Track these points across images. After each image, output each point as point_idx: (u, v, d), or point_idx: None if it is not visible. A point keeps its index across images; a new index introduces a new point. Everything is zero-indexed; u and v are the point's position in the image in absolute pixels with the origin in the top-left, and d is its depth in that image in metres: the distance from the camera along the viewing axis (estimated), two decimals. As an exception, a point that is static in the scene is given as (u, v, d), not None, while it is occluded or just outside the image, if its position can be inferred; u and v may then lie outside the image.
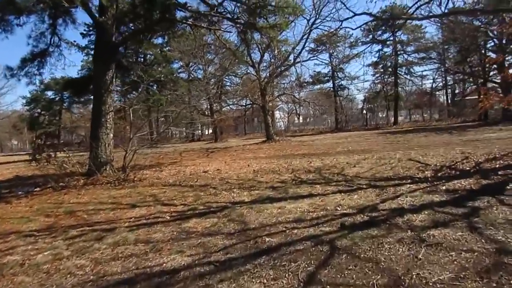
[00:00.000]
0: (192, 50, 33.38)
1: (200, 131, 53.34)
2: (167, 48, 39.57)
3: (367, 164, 9.75)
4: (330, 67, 44.12)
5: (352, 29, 19.85)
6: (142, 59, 38.80)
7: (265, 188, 7.32)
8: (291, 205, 5.59)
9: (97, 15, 10.34)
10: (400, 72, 42.14)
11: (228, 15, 13.74)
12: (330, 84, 46.61)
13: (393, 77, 42.34)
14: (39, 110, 32.33)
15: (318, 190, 6.67)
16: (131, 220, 5.60)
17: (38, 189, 9.23)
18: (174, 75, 41.23)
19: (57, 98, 32.99)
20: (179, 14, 12.87)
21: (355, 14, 10.81)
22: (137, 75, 15.21)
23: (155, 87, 41.15)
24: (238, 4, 13.55)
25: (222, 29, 13.71)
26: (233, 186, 7.84)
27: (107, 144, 10.09)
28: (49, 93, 31.46)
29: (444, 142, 14.68)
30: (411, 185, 6.40)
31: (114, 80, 10.52)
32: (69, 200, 7.61)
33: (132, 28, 12.97)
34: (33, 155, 10.06)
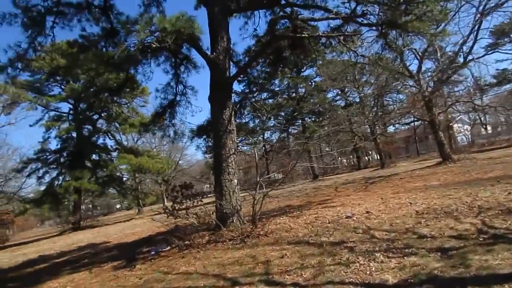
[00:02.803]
0: (341, 74, 31.54)
1: (367, 157, 49.74)
2: (317, 78, 38.93)
3: None
4: (520, 60, 34.74)
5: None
6: (294, 94, 38.85)
7: (429, 252, 4.52)
8: (476, 307, 2.84)
9: (208, 52, 9.70)
10: None
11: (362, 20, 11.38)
12: (524, 81, 36.43)
13: None
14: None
15: (533, 261, 3.56)
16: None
17: (168, 248, 8.62)
18: (330, 103, 39.89)
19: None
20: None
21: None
22: (264, 110, 14.18)
23: (313, 119, 40.66)
24: (375, 6, 11.07)
25: (347, 34, 11.25)
26: (377, 246, 5.27)
27: (231, 191, 8.91)
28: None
29: None
30: None
31: (233, 119, 9.48)
32: (179, 268, 6.47)
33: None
34: (169, 208, 9.62)
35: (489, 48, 30.77)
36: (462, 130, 44.81)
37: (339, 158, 51.71)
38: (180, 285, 5.34)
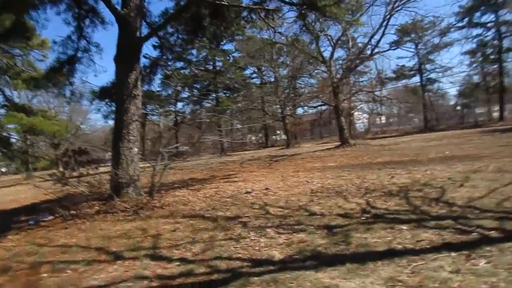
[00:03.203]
0: (259, 52, 31.63)
1: (275, 137, 51.48)
2: (236, 54, 38.54)
3: (482, 181, 6.48)
4: (416, 60, 38.79)
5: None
6: (211, 66, 37.99)
7: (316, 229, 4.66)
8: (351, 284, 2.92)
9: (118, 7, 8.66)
10: (505, 59, 34.98)
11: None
12: (416, 79, 40.98)
13: (496, 65, 35.48)
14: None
15: (404, 240, 3.84)
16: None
17: (50, 218, 7.72)
18: (247, 80, 39.97)
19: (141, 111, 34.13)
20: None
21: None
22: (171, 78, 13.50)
23: (227, 94, 40.33)
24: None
25: (268, 9, 11.01)
26: (270, 222, 5.32)
27: (129, 160, 8.24)
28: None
29: None
30: None
31: (139, 83, 8.71)
32: (58, 240, 5.80)
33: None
34: (58, 175, 8.61)
35: (393, 44, 33.76)
36: (361, 118, 48.94)
37: (249, 135, 52.68)
38: (55, 258, 4.74)
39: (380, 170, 9.82)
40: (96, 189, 8.80)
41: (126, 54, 8.67)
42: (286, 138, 36.46)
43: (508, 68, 35.63)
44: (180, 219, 6.16)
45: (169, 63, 19.63)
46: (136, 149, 8.51)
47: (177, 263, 3.99)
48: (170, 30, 13.44)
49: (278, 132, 51.73)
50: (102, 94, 13.65)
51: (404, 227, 4.29)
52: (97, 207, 7.63)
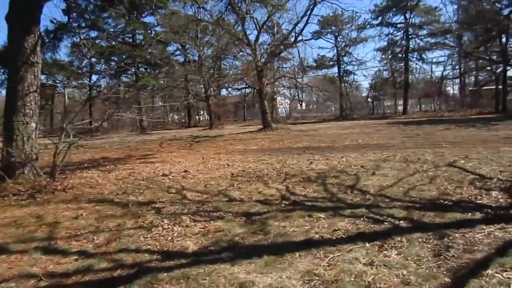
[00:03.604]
0: (183, 28, 30.24)
1: (197, 117, 50.49)
2: (158, 28, 36.38)
3: (391, 170, 6.87)
4: (335, 52, 40.68)
5: None
6: (130, 39, 35.41)
7: (235, 216, 4.46)
8: (267, 280, 2.76)
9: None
10: (411, 58, 38.55)
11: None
12: (335, 70, 43.17)
13: (402, 63, 38.87)
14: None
15: (321, 229, 3.81)
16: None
17: None
18: (169, 57, 38.05)
19: (49, 82, 30.54)
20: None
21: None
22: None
23: (148, 70, 38.12)
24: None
25: None
26: (187, 208, 4.98)
27: (26, 137, 7.16)
28: (42, 77, 28.46)
29: (477, 139, 11.75)
30: (485, 227, 3.56)
31: (38, 49, 7.53)
32: None
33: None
34: None
35: (315, 34, 34.85)
36: (283, 103, 50.31)
37: (171, 114, 50.96)
38: None
39: (300, 155, 10.01)
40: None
41: (22, 13, 7.41)
42: (209, 118, 35.92)
43: (412, 67, 39.37)
44: (85, 204, 5.51)
45: (82, 31, 17.64)
46: (34, 124, 7.40)
47: (74, 257, 3.48)
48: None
49: (201, 112, 50.86)
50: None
51: (321, 215, 4.29)
52: (-17, 190, 6.53)
